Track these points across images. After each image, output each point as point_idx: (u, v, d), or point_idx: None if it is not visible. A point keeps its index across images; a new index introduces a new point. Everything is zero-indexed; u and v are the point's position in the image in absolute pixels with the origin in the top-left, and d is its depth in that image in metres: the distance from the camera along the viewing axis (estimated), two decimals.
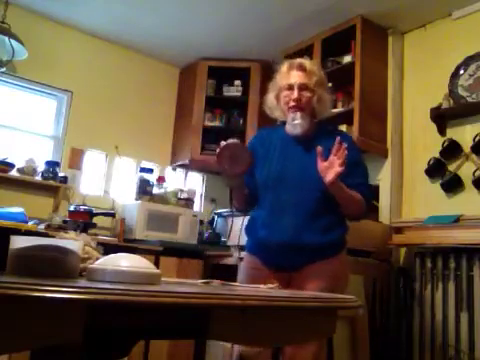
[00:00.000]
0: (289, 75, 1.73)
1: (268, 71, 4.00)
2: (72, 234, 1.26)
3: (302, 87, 1.70)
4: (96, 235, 3.02)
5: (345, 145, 1.56)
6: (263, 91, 3.93)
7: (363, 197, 1.70)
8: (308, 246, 1.62)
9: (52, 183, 3.41)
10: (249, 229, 1.81)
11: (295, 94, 1.69)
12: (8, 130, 3.50)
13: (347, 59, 3.37)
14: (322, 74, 1.77)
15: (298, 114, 1.71)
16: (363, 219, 1.86)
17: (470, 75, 2.93)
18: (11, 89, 3.56)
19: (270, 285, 1.34)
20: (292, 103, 1.71)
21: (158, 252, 3.05)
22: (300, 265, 1.64)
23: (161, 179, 3.76)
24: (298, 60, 1.77)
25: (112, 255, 0.98)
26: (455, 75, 2.98)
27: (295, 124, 1.72)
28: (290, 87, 1.72)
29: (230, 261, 3.04)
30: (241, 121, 4.06)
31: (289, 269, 1.65)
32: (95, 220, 3.20)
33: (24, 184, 3.32)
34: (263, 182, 1.75)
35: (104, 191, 3.79)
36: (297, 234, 1.61)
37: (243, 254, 1.98)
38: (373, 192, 1.82)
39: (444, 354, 2.60)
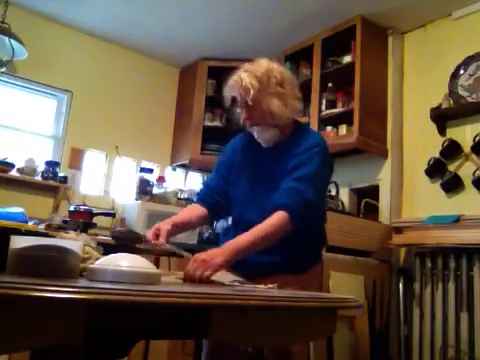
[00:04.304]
0: (232, 91, 1.64)
1: None
2: (72, 234, 1.26)
3: (246, 104, 1.60)
4: (96, 235, 3.02)
5: None
6: None
7: (282, 209, 1.48)
8: (266, 264, 1.56)
9: (52, 183, 3.41)
10: (222, 236, 1.81)
11: (243, 114, 1.64)
12: (8, 130, 3.50)
13: (347, 59, 3.37)
14: (264, 78, 1.57)
15: (255, 129, 1.66)
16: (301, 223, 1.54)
17: (470, 75, 2.93)
18: (11, 89, 3.56)
19: (270, 285, 1.34)
20: (247, 122, 1.67)
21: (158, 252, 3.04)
22: (262, 276, 1.56)
23: (161, 179, 3.76)
24: (235, 76, 1.62)
25: (112, 255, 0.98)
26: (455, 75, 2.98)
27: (259, 140, 1.68)
28: (239, 103, 1.64)
29: None
30: (241, 121, 4.05)
31: (252, 278, 1.62)
32: (95, 220, 3.19)
33: (24, 184, 3.32)
34: (236, 197, 1.71)
35: (104, 191, 3.79)
36: (257, 254, 1.52)
37: None
38: (309, 196, 1.52)
39: (444, 354, 2.60)
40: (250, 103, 1.58)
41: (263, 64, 1.61)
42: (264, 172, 1.66)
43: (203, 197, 1.76)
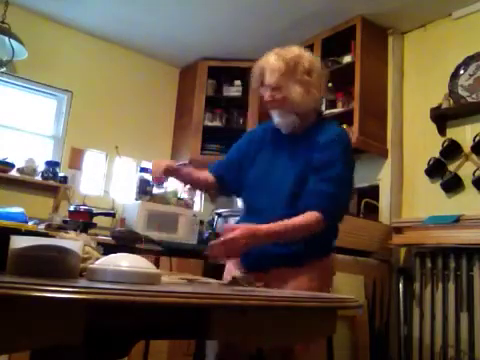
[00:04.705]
0: (262, 73, 1.65)
1: None
2: (72, 234, 1.26)
3: (272, 86, 1.62)
4: (96, 235, 3.02)
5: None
6: None
7: (315, 211, 1.49)
8: (268, 255, 1.56)
9: (52, 183, 3.41)
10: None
11: (265, 95, 1.64)
12: (8, 130, 3.50)
13: (347, 59, 3.37)
14: (291, 64, 1.59)
15: (274, 112, 1.66)
16: (335, 222, 1.62)
17: (470, 75, 2.93)
18: (11, 89, 3.56)
19: (258, 284, 1.34)
20: (268, 104, 1.67)
21: (158, 252, 3.04)
22: (267, 268, 1.59)
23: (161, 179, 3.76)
24: (264, 57, 1.65)
25: (112, 255, 0.98)
26: (455, 75, 2.98)
27: (277, 124, 1.68)
28: (264, 86, 1.65)
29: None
30: (241, 121, 4.06)
31: (257, 270, 1.63)
32: (95, 220, 3.20)
33: (24, 184, 3.32)
34: (248, 183, 1.72)
35: (104, 191, 3.79)
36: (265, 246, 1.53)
37: None
38: (341, 199, 1.57)
39: (444, 354, 2.60)
40: (274, 86, 1.60)
41: (294, 50, 1.63)
42: (281, 159, 1.67)
43: (214, 168, 1.83)
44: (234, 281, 1.32)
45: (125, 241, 1.96)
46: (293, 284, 1.54)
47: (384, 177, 3.21)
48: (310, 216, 1.50)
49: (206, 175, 1.81)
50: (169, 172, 1.66)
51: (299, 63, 1.60)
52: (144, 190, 3.55)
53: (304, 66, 1.60)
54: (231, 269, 1.73)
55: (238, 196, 1.89)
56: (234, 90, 4.06)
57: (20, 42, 3.18)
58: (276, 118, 1.67)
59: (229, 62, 3.99)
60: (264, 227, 1.45)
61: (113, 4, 3.40)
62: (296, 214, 1.52)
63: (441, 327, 2.64)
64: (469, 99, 2.90)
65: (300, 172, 1.59)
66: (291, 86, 1.59)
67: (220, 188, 1.83)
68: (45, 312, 0.71)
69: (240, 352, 1.60)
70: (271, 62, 1.60)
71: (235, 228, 1.41)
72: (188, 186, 1.76)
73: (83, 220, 3.07)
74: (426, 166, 3.01)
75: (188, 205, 3.70)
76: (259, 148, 1.74)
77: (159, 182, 1.67)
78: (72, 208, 3.16)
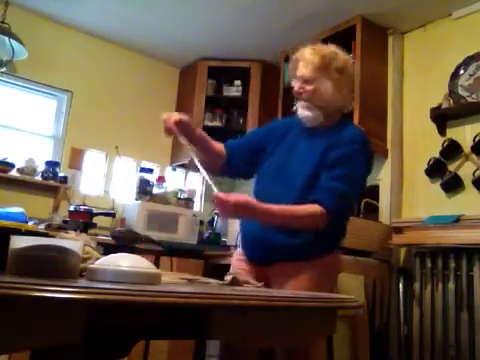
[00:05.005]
0: (296, 65, 1.69)
1: (268, 71, 4.01)
2: (72, 234, 1.26)
3: (303, 79, 1.64)
4: (96, 235, 3.02)
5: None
6: (263, 91, 3.97)
7: (321, 206, 1.51)
8: (274, 245, 1.57)
9: (52, 183, 3.41)
10: (240, 221, 1.82)
11: (296, 85, 1.66)
12: (8, 130, 3.50)
13: None
14: (326, 60, 1.63)
15: (300, 104, 1.67)
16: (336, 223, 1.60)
17: (470, 75, 2.93)
18: (11, 89, 3.56)
19: (258, 284, 1.34)
20: (297, 95, 1.68)
21: (158, 252, 3.04)
22: (270, 261, 1.60)
23: (161, 179, 3.76)
24: (301, 50, 1.69)
25: (112, 255, 0.98)
26: (455, 75, 2.98)
27: (300, 117, 1.69)
28: (296, 77, 1.68)
29: (230, 261, 3.04)
30: (241, 121, 4.06)
31: (261, 264, 1.62)
32: (95, 220, 3.20)
33: (24, 184, 3.32)
34: (263, 172, 1.74)
35: (104, 191, 3.79)
36: (265, 231, 1.57)
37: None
38: (350, 198, 1.61)
39: (444, 354, 2.60)
40: (306, 78, 1.63)
41: (330, 47, 1.69)
42: (298, 153, 1.67)
43: (228, 144, 1.82)
44: (234, 281, 1.32)
45: (125, 241, 1.96)
46: (294, 280, 1.54)
47: (384, 177, 3.21)
48: (313, 209, 1.51)
49: (219, 147, 1.79)
50: (180, 125, 1.60)
51: (334, 59, 1.64)
52: (144, 190, 3.55)
53: (338, 64, 1.64)
54: (235, 265, 1.73)
55: (245, 179, 1.93)
56: (234, 90, 4.06)
57: (20, 42, 3.18)
58: (301, 110, 1.68)
59: (229, 62, 3.99)
60: (261, 203, 1.48)
61: (113, 4, 3.40)
62: None
63: (441, 327, 2.64)
64: (469, 99, 2.90)
65: (315, 166, 1.60)
66: (322, 81, 1.63)
67: (227, 166, 1.81)
68: (45, 312, 0.71)
69: (240, 352, 1.60)
70: (306, 55, 1.65)
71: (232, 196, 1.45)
72: (194, 149, 1.71)
73: (83, 220, 3.07)
74: (426, 166, 3.01)
75: (188, 205, 3.70)
76: (279, 140, 1.75)
77: (169, 133, 1.63)
78: (72, 208, 3.16)
